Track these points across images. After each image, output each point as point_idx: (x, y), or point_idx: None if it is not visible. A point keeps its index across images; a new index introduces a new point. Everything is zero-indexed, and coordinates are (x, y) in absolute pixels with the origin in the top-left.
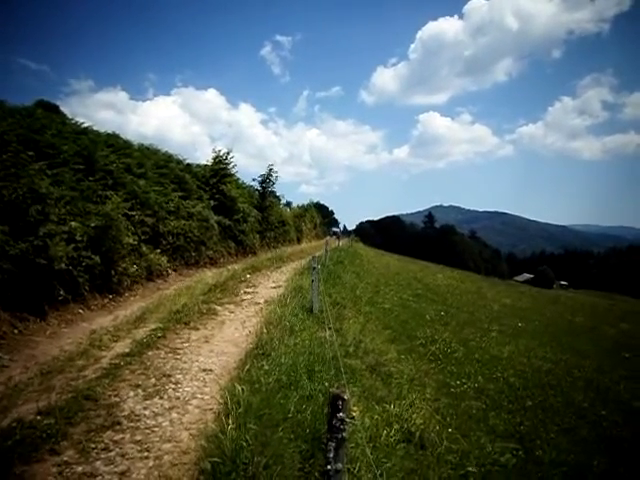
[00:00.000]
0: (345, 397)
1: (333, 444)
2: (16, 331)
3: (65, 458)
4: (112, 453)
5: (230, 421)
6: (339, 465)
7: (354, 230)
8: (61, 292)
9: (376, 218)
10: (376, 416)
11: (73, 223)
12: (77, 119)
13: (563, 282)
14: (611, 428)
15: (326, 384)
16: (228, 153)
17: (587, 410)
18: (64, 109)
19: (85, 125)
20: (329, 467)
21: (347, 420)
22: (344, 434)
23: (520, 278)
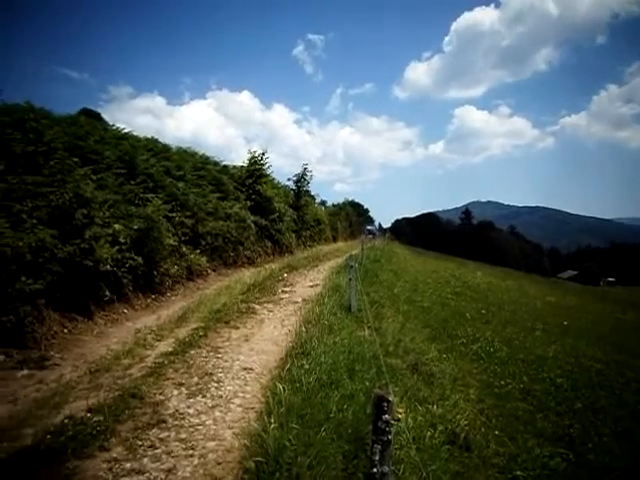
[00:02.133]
0: (390, 398)
1: (379, 447)
2: (65, 330)
3: (114, 454)
4: (158, 450)
5: (272, 420)
6: (385, 468)
7: (389, 228)
8: (107, 292)
9: (412, 215)
10: (419, 417)
11: (116, 226)
12: (117, 125)
13: (611, 278)
14: None
15: (367, 383)
16: (263, 154)
17: None
18: (105, 116)
19: (125, 131)
20: (374, 470)
21: (392, 422)
22: (390, 436)
23: (564, 275)
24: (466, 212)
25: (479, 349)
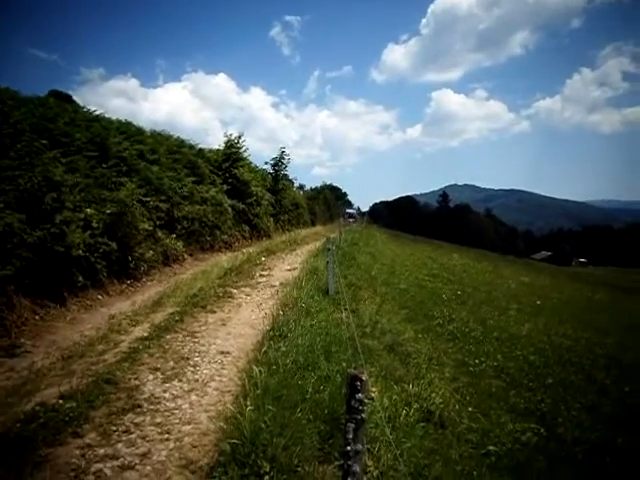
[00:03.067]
0: (363, 378)
1: (352, 425)
2: (37, 317)
3: (87, 441)
4: (133, 435)
5: (248, 402)
6: (359, 446)
7: (368, 212)
8: (80, 278)
9: (390, 199)
10: (395, 396)
11: (89, 210)
12: (89, 107)
13: (582, 259)
14: (635, 405)
15: (344, 364)
16: (240, 137)
17: (610, 387)
18: (77, 98)
19: (97, 113)
20: (348, 448)
21: (366, 401)
22: (363, 415)
23: (538, 256)
24: (443, 195)
25: (454, 329)
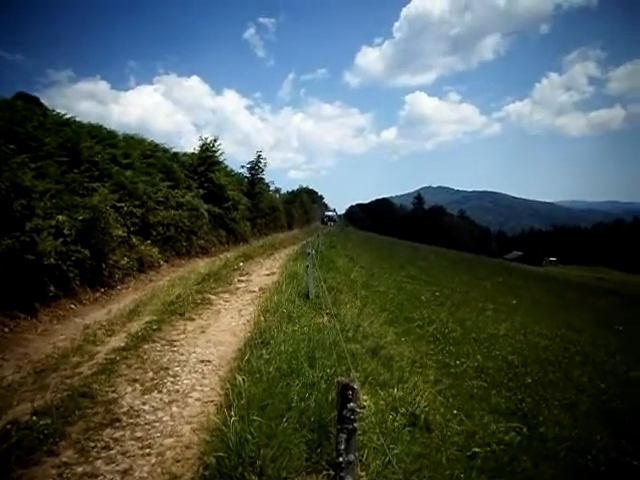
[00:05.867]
0: (355, 386)
1: (344, 435)
2: (7, 329)
3: (64, 459)
4: (112, 451)
5: (233, 413)
6: (351, 456)
7: (344, 214)
8: (51, 288)
9: (366, 201)
10: (381, 401)
11: (60, 217)
12: (58, 110)
13: (552, 258)
14: (610, 401)
15: (328, 370)
16: (215, 140)
17: (586, 384)
18: (44, 100)
19: (67, 116)
20: (340, 459)
21: (358, 410)
22: (355, 424)
23: (510, 256)
24: (418, 197)
25: (435, 330)
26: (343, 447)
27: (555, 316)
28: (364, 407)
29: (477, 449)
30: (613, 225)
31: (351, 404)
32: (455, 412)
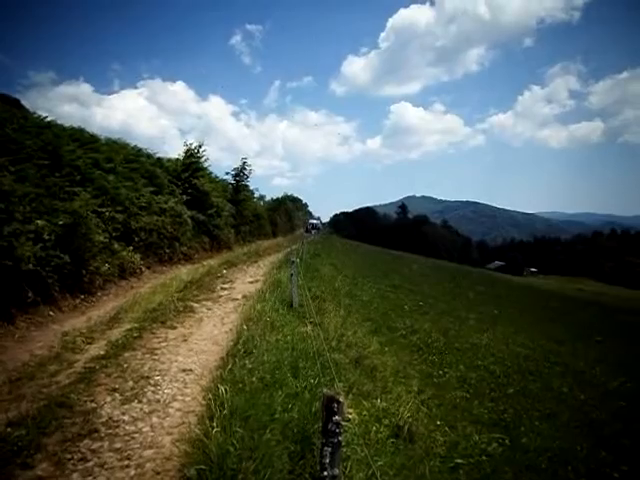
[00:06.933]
0: (340, 399)
1: (329, 449)
2: None
3: (39, 472)
4: (90, 463)
5: (214, 424)
6: (335, 470)
7: (328, 222)
8: (29, 294)
9: (350, 210)
10: (364, 412)
11: (39, 222)
12: (39, 113)
13: (533, 269)
14: (590, 412)
15: (312, 380)
16: (200, 146)
17: (566, 395)
18: (24, 102)
19: (49, 119)
20: (325, 473)
21: (343, 423)
22: (340, 438)
23: (492, 266)
24: (402, 207)
25: (418, 340)
26: (328, 461)
27: (537, 326)
28: (349, 420)
29: (460, 460)
30: (592, 237)
31: (336, 417)
32: (438, 423)
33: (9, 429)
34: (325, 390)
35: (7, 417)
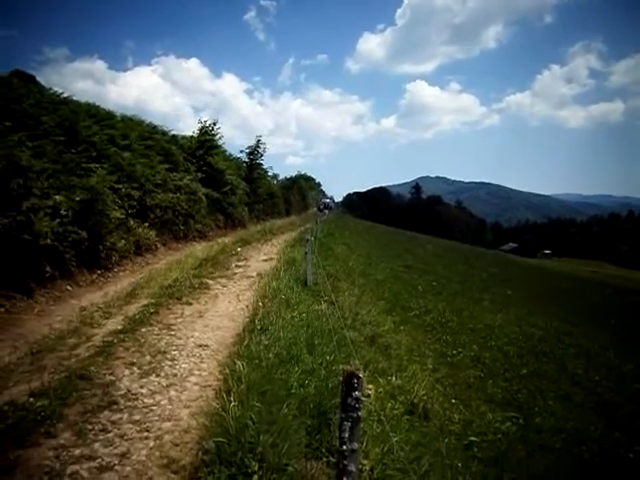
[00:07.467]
0: (360, 375)
1: (348, 424)
2: (2, 310)
3: (61, 441)
4: (110, 434)
5: (232, 398)
6: (354, 445)
7: (341, 202)
8: (48, 269)
9: (363, 189)
10: (380, 389)
11: (57, 197)
12: (55, 89)
13: (547, 251)
14: (604, 393)
15: (327, 357)
16: (214, 124)
17: (581, 376)
18: (39, 79)
19: (64, 95)
20: (344, 447)
21: (362, 399)
22: (359, 413)
23: (505, 247)
24: (416, 187)
25: (432, 320)
26: (347, 435)
27: (550, 308)
28: (368, 395)
29: (474, 438)
30: (608, 219)
31: (356, 393)
32: (453, 401)
33: (32, 399)
34: (345, 366)
35: (30, 388)
